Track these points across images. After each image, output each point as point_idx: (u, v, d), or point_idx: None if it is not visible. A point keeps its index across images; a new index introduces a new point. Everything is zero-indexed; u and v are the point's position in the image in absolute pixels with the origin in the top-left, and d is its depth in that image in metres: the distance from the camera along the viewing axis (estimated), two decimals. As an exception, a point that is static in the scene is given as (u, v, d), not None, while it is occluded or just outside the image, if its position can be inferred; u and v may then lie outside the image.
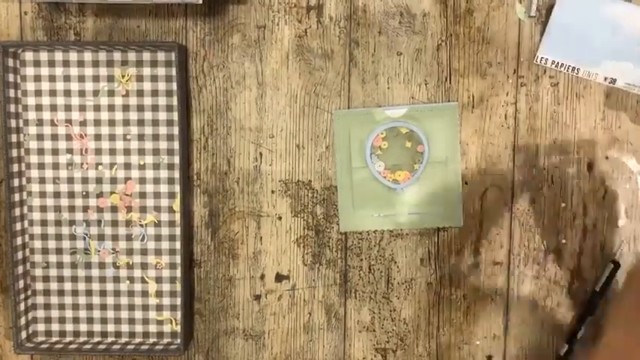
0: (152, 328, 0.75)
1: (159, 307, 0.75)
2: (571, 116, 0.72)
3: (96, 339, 0.75)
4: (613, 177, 0.73)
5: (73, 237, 0.74)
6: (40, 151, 0.73)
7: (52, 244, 0.74)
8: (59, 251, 0.75)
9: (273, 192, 0.74)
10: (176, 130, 0.72)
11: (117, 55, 0.72)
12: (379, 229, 0.73)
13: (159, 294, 0.75)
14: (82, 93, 0.73)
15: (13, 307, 0.72)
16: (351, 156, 0.73)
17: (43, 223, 0.74)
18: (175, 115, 0.72)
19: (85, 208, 0.74)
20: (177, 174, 0.73)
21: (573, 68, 0.71)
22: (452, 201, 0.73)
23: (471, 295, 0.74)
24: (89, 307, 0.75)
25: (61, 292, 0.75)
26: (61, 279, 0.75)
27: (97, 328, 0.75)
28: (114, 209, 0.74)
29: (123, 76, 0.73)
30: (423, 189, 0.73)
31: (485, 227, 0.73)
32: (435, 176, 0.73)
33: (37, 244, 0.74)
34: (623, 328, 0.60)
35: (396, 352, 0.75)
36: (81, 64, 0.72)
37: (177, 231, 0.74)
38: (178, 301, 0.74)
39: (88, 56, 0.72)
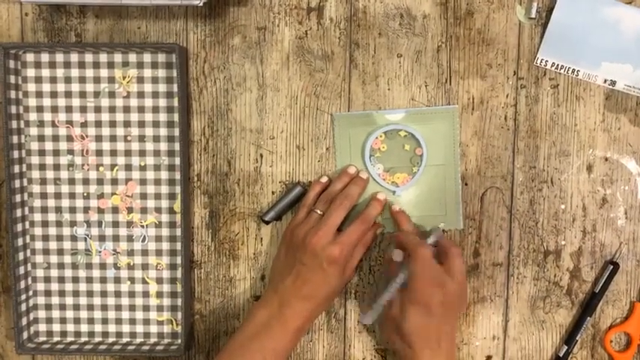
0: (153, 328, 0.75)
1: (159, 308, 0.75)
2: (571, 118, 0.72)
3: (97, 339, 0.76)
4: (612, 178, 0.73)
5: (74, 238, 0.75)
6: (41, 152, 0.74)
7: (53, 245, 0.75)
8: (60, 252, 0.75)
9: (273, 193, 0.74)
10: (177, 132, 0.72)
11: (118, 57, 0.72)
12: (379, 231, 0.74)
13: (159, 295, 0.75)
14: (82, 94, 0.73)
15: (15, 307, 0.72)
16: (351, 158, 0.73)
17: (44, 224, 0.74)
18: (176, 117, 0.72)
19: (86, 209, 0.74)
20: (177, 175, 0.73)
21: (573, 70, 0.71)
22: (451, 204, 0.73)
23: (470, 295, 0.74)
24: (90, 307, 0.75)
25: (62, 293, 0.75)
26: (62, 280, 0.75)
27: (98, 328, 0.76)
28: (115, 210, 0.74)
29: (124, 78, 0.73)
30: (422, 192, 0.73)
31: (485, 228, 0.73)
32: (433, 179, 0.73)
33: (38, 245, 0.75)
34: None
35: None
36: (82, 65, 0.73)
37: (178, 232, 0.74)
38: (179, 301, 0.75)
39: (88, 57, 0.72)
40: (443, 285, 0.65)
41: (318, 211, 0.70)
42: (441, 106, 0.72)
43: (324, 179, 0.72)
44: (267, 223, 0.73)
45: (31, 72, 0.73)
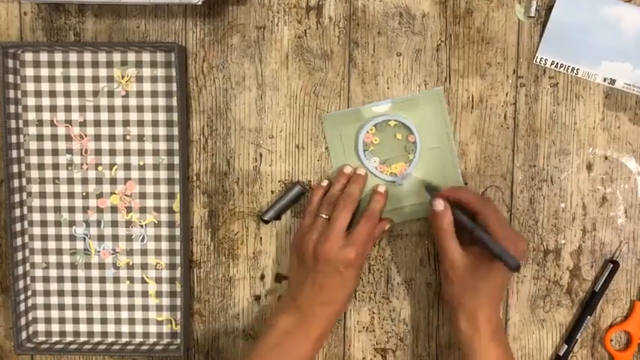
0: (152, 328, 0.75)
1: (159, 308, 0.75)
2: (570, 116, 0.72)
3: (96, 339, 0.76)
4: (612, 177, 0.73)
5: (73, 238, 0.74)
6: (40, 152, 0.74)
7: (52, 244, 0.75)
8: (59, 252, 0.75)
9: (272, 192, 0.74)
10: (176, 131, 0.72)
11: (116, 56, 0.72)
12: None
13: (159, 294, 0.75)
14: (81, 94, 0.73)
15: (14, 307, 0.72)
16: (345, 156, 0.73)
17: (43, 223, 0.74)
18: (175, 116, 0.72)
19: (85, 209, 0.74)
20: (177, 174, 0.73)
21: (573, 69, 0.71)
22: (453, 183, 0.72)
23: (470, 295, 0.74)
24: (89, 307, 0.75)
25: (61, 293, 0.75)
26: (61, 279, 0.75)
27: (97, 328, 0.75)
28: (114, 210, 0.74)
29: (122, 77, 0.73)
30: (421, 177, 0.73)
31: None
32: (431, 163, 0.72)
33: (37, 244, 0.75)
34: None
35: (395, 352, 0.75)
36: (80, 64, 0.73)
37: (177, 231, 0.74)
38: (178, 301, 0.74)
39: (87, 57, 0.72)
40: (516, 232, 0.68)
41: (324, 216, 0.69)
42: (425, 90, 0.72)
43: (325, 183, 0.72)
44: (266, 222, 0.73)
45: (29, 71, 0.73)
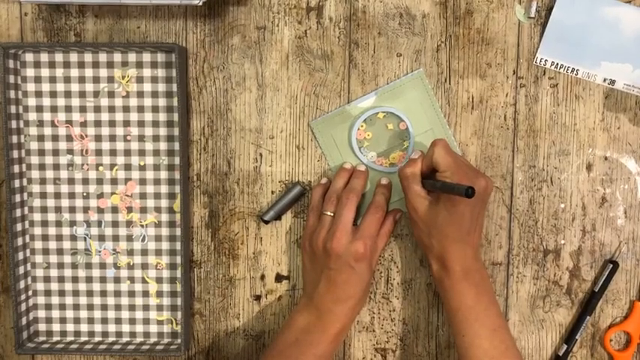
0: (153, 328, 0.75)
1: (159, 308, 0.75)
2: (570, 117, 0.72)
3: (97, 339, 0.76)
4: (612, 178, 0.73)
5: (73, 238, 0.75)
6: (41, 152, 0.74)
7: (52, 244, 0.75)
8: (60, 252, 0.75)
9: (273, 192, 0.74)
10: (176, 131, 0.73)
11: (117, 57, 0.72)
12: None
13: (159, 294, 0.75)
14: (82, 94, 0.73)
15: (14, 307, 0.72)
16: (342, 157, 0.73)
17: (44, 223, 0.74)
18: (175, 117, 0.72)
19: (86, 209, 0.74)
20: (177, 175, 0.73)
21: (572, 69, 0.71)
22: None
23: (470, 295, 0.74)
24: (90, 307, 0.75)
25: (61, 293, 0.75)
26: (61, 279, 0.75)
27: (97, 328, 0.76)
28: (114, 210, 0.74)
29: (123, 77, 0.73)
30: None
31: (485, 227, 0.73)
32: (427, 145, 0.72)
33: (38, 244, 0.75)
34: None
35: (395, 352, 0.75)
36: (81, 65, 0.73)
37: (178, 231, 0.74)
38: (179, 301, 0.75)
39: (88, 57, 0.72)
40: (477, 170, 0.67)
41: (329, 213, 0.69)
42: (406, 76, 0.72)
43: (324, 180, 0.72)
44: (266, 222, 0.73)
45: (30, 72, 0.73)
